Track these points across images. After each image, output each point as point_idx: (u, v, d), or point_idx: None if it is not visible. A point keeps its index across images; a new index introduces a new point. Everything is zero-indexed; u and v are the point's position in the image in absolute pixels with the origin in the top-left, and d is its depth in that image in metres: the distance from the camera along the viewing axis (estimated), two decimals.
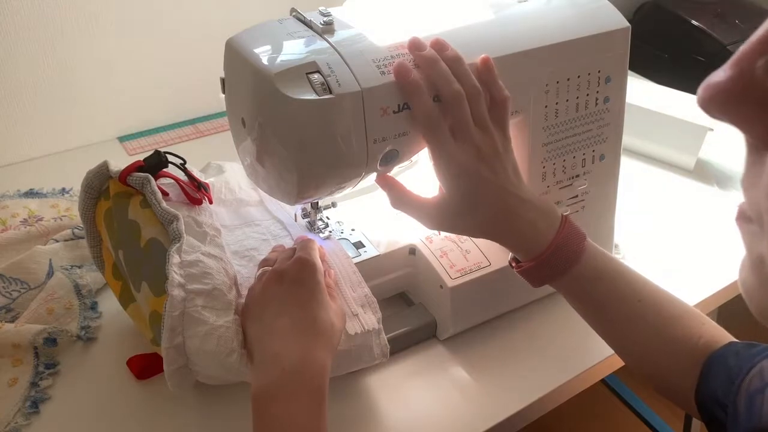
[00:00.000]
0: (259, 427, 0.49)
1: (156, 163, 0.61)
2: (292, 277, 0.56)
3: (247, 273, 0.64)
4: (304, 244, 0.60)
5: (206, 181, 0.66)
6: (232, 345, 0.54)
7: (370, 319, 0.61)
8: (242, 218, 0.72)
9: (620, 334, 0.59)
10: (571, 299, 0.60)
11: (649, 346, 0.57)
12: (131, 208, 0.60)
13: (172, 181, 0.62)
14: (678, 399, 0.57)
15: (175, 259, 0.55)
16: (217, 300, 0.55)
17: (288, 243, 0.68)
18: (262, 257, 0.64)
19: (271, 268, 0.58)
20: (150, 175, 0.60)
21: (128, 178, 0.60)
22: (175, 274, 0.54)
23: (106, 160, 0.63)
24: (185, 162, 0.63)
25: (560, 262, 0.57)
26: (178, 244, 0.56)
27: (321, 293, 0.55)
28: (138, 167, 0.60)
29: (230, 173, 0.75)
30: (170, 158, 0.62)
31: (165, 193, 0.60)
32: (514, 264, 0.61)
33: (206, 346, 0.53)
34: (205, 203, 0.63)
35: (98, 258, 0.68)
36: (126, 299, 0.65)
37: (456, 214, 0.56)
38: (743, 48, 0.27)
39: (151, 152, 0.62)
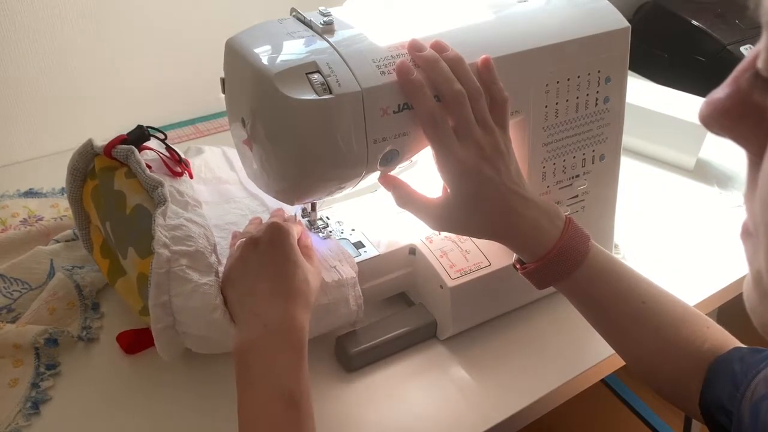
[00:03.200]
0: (242, 378, 0.51)
1: (138, 137, 0.65)
2: (267, 241, 0.58)
3: (226, 245, 0.67)
4: (276, 213, 0.64)
5: (187, 159, 0.69)
6: (216, 301, 0.56)
7: (347, 270, 0.64)
8: (222, 195, 0.75)
9: (623, 336, 0.58)
10: (574, 300, 0.60)
11: (653, 348, 0.57)
12: (116, 179, 0.64)
13: (155, 156, 0.65)
14: (681, 403, 0.57)
15: (160, 220, 0.58)
16: (200, 262, 0.58)
17: (266, 218, 0.70)
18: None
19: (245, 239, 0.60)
20: (134, 147, 0.63)
21: (113, 150, 0.63)
22: (161, 234, 0.57)
23: (91, 138, 0.66)
24: (166, 137, 0.67)
25: (565, 264, 0.56)
26: (163, 207, 0.59)
27: (295, 254, 0.57)
28: (122, 141, 0.64)
29: (209, 154, 0.79)
30: (152, 132, 0.66)
31: (148, 167, 0.63)
32: (518, 266, 0.61)
33: (191, 303, 0.56)
34: (186, 177, 0.67)
35: (87, 240, 0.71)
36: (114, 276, 0.67)
37: (460, 214, 0.57)
38: (739, 65, 0.27)
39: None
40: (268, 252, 0.57)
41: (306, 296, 0.56)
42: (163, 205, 0.60)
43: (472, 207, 0.56)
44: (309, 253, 0.61)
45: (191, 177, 0.68)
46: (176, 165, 0.66)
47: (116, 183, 0.64)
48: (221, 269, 0.60)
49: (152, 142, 0.67)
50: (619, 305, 0.57)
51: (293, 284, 0.55)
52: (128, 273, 0.63)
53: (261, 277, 0.56)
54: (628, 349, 0.59)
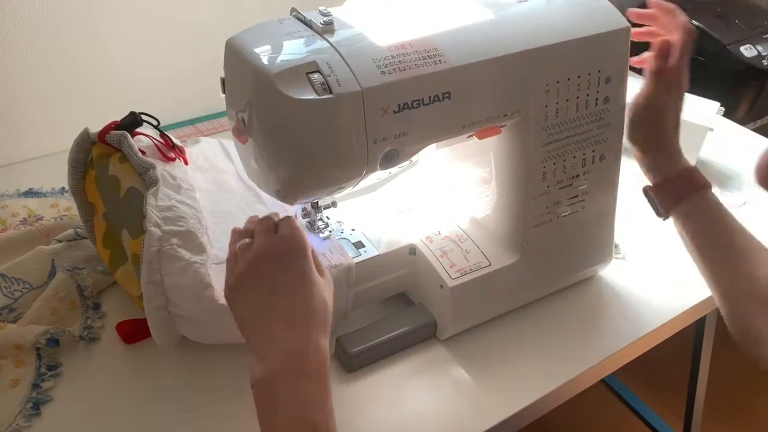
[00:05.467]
0: (265, 408, 0.49)
1: (131, 122, 0.67)
2: (282, 256, 0.53)
3: (220, 231, 0.67)
4: (288, 222, 0.55)
5: (182, 146, 0.71)
6: (207, 280, 0.57)
7: (337, 257, 0.66)
8: (218, 184, 0.75)
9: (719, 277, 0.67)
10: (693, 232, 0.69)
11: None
12: (111, 164, 0.66)
13: (149, 142, 0.67)
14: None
15: (151, 200, 0.60)
16: (191, 242, 0.59)
17: (260, 210, 0.70)
18: (235, 220, 0.63)
19: (249, 240, 0.55)
20: (126, 132, 0.65)
21: (106, 136, 0.66)
22: (152, 213, 0.58)
23: (86, 127, 0.68)
24: (159, 122, 0.68)
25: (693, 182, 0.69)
26: (154, 188, 0.61)
27: (312, 272, 0.53)
28: (115, 126, 0.66)
29: (206, 144, 0.80)
30: (145, 118, 0.67)
31: (142, 152, 0.65)
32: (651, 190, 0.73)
33: (183, 281, 0.57)
34: (180, 162, 0.68)
35: (91, 232, 0.73)
36: (115, 265, 0.68)
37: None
38: None
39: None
40: (285, 269, 0.53)
41: (325, 318, 0.52)
42: (155, 186, 0.61)
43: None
44: (317, 261, 0.56)
45: (186, 163, 0.70)
46: (170, 150, 0.68)
47: (111, 168, 0.66)
48: (213, 252, 0.61)
49: (147, 130, 0.68)
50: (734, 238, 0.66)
51: (312, 306, 0.52)
52: (126, 251, 0.65)
53: (276, 296, 0.52)
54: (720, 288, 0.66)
